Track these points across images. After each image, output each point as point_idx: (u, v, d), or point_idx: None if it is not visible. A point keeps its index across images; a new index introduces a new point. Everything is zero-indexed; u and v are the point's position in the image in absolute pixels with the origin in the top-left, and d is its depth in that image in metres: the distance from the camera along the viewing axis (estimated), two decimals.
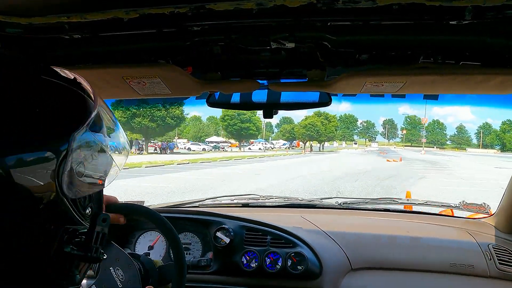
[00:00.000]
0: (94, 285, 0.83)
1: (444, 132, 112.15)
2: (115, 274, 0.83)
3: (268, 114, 1.07)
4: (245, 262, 1.34)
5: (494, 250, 1.37)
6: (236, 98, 1.08)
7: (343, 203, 1.81)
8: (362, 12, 0.64)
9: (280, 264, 1.31)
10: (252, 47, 0.84)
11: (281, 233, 1.39)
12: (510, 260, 1.34)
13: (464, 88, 0.89)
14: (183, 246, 1.37)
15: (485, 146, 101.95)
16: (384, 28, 0.72)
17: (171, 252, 0.96)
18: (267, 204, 1.86)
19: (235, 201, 1.87)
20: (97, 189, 0.56)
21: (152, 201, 5.83)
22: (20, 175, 0.41)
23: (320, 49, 0.83)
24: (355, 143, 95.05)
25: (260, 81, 0.95)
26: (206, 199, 1.87)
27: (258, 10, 0.61)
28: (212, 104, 1.10)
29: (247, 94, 1.06)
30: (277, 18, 0.69)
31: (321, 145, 61.38)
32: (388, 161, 26.89)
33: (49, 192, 0.44)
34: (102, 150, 0.52)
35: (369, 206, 1.82)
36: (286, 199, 1.90)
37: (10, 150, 0.41)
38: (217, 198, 1.90)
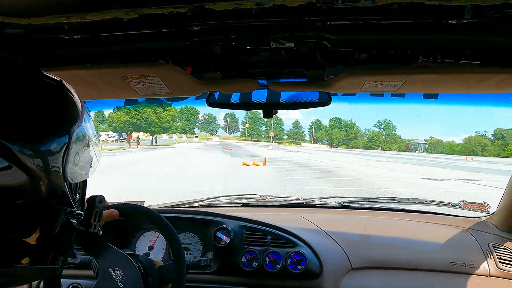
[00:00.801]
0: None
1: (282, 127, 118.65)
2: (115, 274, 0.83)
3: (267, 114, 1.08)
4: (245, 262, 1.34)
5: (494, 249, 1.37)
6: (236, 98, 1.08)
7: (343, 203, 1.82)
8: (362, 11, 0.64)
9: (280, 263, 1.31)
10: (252, 47, 0.84)
11: (281, 232, 1.39)
12: (510, 259, 1.35)
13: (463, 87, 0.89)
14: (183, 246, 1.37)
15: (316, 141, 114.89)
16: (384, 27, 0.72)
17: (171, 252, 0.96)
18: (267, 203, 1.86)
19: (235, 201, 1.87)
20: (85, 177, 0.64)
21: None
22: (37, 163, 0.48)
23: (320, 49, 0.83)
24: (196, 137, 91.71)
25: (259, 81, 0.95)
26: (206, 199, 1.87)
27: (257, 10, 0.61)
28: (212, 104, 1.10)
29: (246, 94, 1.06)
30: (276, 18, 0.69)
31: (153, 138, 51.06)
32: (246, 164, 16.51)
33: (56, 177, 0.52)
34: (89, 143, 0.61)
35: (369, 205, 1.82)
36: (286, 198, 1.90)
37: (30, 141, 0.48)
38: (217, 198, 1.90)
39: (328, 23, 0.71)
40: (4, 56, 0.55)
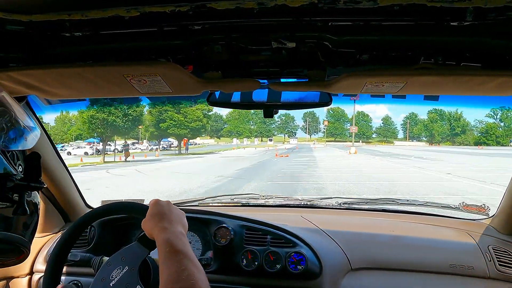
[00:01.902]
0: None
1: (370, 124, 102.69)
2: (116, 272, 0.84)
3: (268, 114, 1.07)
4: (245, 261, 1.34)
5: (494, 251, 1.37)
6: (236, 97, 1.08)
7: (343, 203, 1.81)
8: (363, 12, 0.64)
9: (280, 263, 1.31)
10: (253, 47, 0.84)
11: (281, 232, 1.39)
12: (510, 262, 1.34)
13: (464, 89, 0.89)
14: None
15: (411, 138, 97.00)
16: (385, 28, 0.72)
17: None
18: (267, 203, 1.86)
19: (235, 200, 1.87)
20: (19, 148, 0.69)
21: None
22: None
23: (321, 49, 0.83)
24: (271, 140, 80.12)
25: (260, 81, 0.95)
26: (206, 198, 1.87)
27: (259, 9, 0.61)
28: (213, 103, 1.10)
29: (247, 93, 1.06)
30: (278, 18, 0.69)
31: (180, 142, 37.70)
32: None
33: None
34: (16, 119, 0.67)
35: (369, 206, 1.82)
36: (286, 198, 1.90)
37: None
38: (217, 197, 1.90)
39: (329, 24, 0.71)
40: None
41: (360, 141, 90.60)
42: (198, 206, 1.78)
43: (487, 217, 1.61)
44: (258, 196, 1.92)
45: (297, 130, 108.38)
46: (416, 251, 1.41)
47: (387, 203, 1.82)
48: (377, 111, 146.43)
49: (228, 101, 1.09)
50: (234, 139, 79.16)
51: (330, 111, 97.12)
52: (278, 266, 1.31)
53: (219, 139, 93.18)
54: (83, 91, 0.97)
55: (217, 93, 1.08)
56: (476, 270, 1.33)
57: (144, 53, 0.86)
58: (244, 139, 79.36)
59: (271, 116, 1.08)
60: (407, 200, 1.81)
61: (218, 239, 1.38)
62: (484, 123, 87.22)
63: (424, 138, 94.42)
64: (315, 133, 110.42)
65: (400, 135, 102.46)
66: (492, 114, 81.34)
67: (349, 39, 0.78)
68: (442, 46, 0.80)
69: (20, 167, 0.71)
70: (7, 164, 0.64)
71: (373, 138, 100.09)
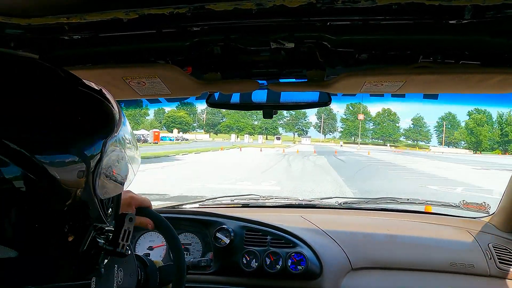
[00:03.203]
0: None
1: (397, 124, 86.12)
2: (116, 273, 0.84)
3: (267, 114, 1.08)
4: (245, 262, 1.33)
5: (494, 249, 1.37)
6: (236, 98, 1.08)
7: (343, 203, 1.81)
8: (362, 11, 0.64)
9: (280, 264, 1.31)
10: (252, 47, 0.84)
11: (281, 233, 1.39)
12: (510, 259, 1.35)
13: (463, 87, 0.89)
14: (183, 246, 1.37)
15: (448, 144, 79.32)
16: (384, 27, 0.72)
17: (170, 252, 0.96)
18: (267, 204, 1.85)
19: (235, 201, 1.87)
20: (119, 192, 0.60)
21: None
22: (64, 176, 0.45)
23: (320, 49, 0.83)
24: (278, 138, 66.48)
25: (259, 81, 0.95)
26: (206, 200, 1.87)
27: (257, 10, 0.61)
28: (212, 104, 1.10)
29: (247, 94, 1.06)
30: (276, 18, 0.69)
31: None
32: None
33: (85, 192, 0.48)
34: (124, 155, 0.56)
35: (369, 206, 1.82)
36: (286, 199, 1.90)
37: (57, 151, 0.45)
38: (217, 198, 1.90)
39: (328, 24, 0.71)
40: (44, 65, 0.51)
41: (388, 144, 78.05)
42: (198, 207, 1.77)
43: (488, 215, 1.62)
44: (258, 196, 1.92)
45: (309, 128, 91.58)
46: (416, 250, 1.41)
47: (387, 202, 1.82)
48: (406, 110, 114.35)
49: (227, 102, 1.09)
50: (233, 135, 65.91)
51: (350, 107, 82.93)
52: (278, 266, 1.30)
53: (216, 135, 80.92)
54: None
55: (216, 94, 1.08)
56: (476, 268, 1.33)
57: (143, 55, 0.86)
58: (246, 135, 66.84)
59: (271, 117, 1.08)
60: (408, 199, 1.81)
61: (218, 240, 1.37)
62: None
63: (463, 144, 77.65)
64: (330, 132, 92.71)
65: (434, 139, 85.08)
66: None
67: (348, 39, 0.78)
68: (441, 44, 0.80)
69: (111, 210, 0.60)
70: (100, 211, 0.53)
71: (401, 141, 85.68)
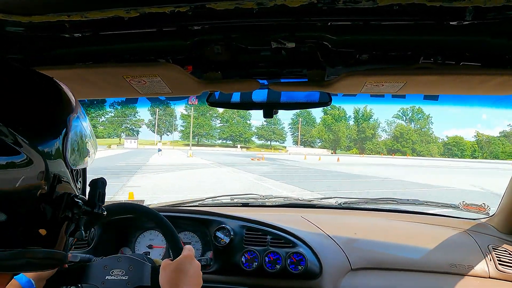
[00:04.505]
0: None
1: (248, 122, 70.64)
2: (117, 272, 0.84)
3: (268, 114, 1.08)
4: (245, 261, 1.34)
5: (494, 251, 1.37)
6: (236, 97, 1.08)
7: (343, 203, 1.81)
8: (363, 12, 0.64)
9: (280, 264, 1.31)
10: (252, 47, 0.84)
11: (281, 233, 1.39)
12: (509, 261, 1.35)
13: (464, 88, 0.89)
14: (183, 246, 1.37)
15: (304, 143, 66.39)
16: (385, 28, 0.72)
17: (170, 251, 0.96)
18: (267, 203, 1.86)
19: (235, 201, 1.87)
20: (85, 166, 0.67)
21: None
22: (39, 151, 0.51)
23: (321, 49, 0.83)
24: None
25: (260, 81, 0.95)
26: (206, 199, 1.87)
27: (258, 9, 0.61)
28: (212, 103, 1.10)
29: (247, 93, 1.06)
30: (277, 18, 0.69)
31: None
32: None
33: (59, 163, 0.55)
34: (86, 134, 0.64)
35: (369, 206, 1.82)
36: (286, 199, 1.90)
37: (33, 131, 0.51)
38: (217, 198, 1.90)
39: (329, 24, 0.71)
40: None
41: (239, 146, 63.15)
42: (198, 206, 1.78)
43: (487, 216, 1.62)
44: (258, 196, 1.92)
45: (140, 127, 71.80)
46: (416, 250, 1.41)
47: (387, 203, 1.82)
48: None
49: (227, 101, 1.09)
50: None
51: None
52: (278, 266, 1.31)
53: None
54: (83, 92, 0.97)
55: (216, 94, 1.08)
56: (476, 270, 1.33)
57: (144, 53, 0.86)
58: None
59: (271, 116, 1.08)
60: (407, 200, 1.81)
61: (218, 239, 1.38)
62: (394, 123, 68.34)
63: (318, 143, 63.04)
64: (168, 132, 71.26)
65: (289, 138, 67.90)
66: (401, 114, 63.47)
67: (348, 39, 0.78)
68: (441, 45, 0.80)
69: (80, 183, 0.68)
70: (72, 182, 0.61)
71: (253, 141, 72.51)
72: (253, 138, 76.11)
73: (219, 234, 1.39)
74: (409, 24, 0.69)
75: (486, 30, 0.70)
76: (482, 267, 1.33)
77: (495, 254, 1.36)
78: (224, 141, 72.81)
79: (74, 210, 0.59)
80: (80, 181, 0.67)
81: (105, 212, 0.68)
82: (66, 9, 0.61)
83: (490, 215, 1.61)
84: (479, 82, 0.84)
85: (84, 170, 0.70)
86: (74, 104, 0.62)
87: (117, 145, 58.46)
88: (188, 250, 0.91)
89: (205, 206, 1.78)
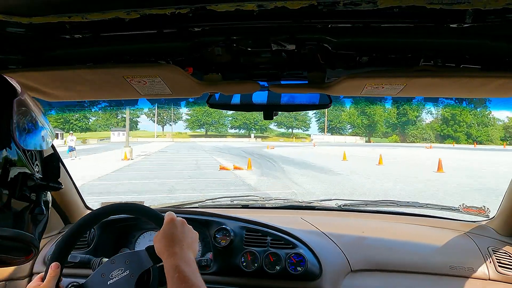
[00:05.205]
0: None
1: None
2: (116, 273, 0.84)
3: (268, 116, 1.08)
4: (244, 262, 1.33)
5: (494, 253, 1.37)
6: (236, 99, 1.08)
7: (343, 205, 1.81)
8: (363, 14, 0.64)
9: (280, 265, 1.31)
10: (253, 49, 0.84)
11: (281, 234, 1.39)
12: (509, 263, 1.34)
13: (464, 91, 0.89)
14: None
15: (331, 130, 56.26)
16: (385, 30, 0.72)
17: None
18: (267, 205, 1.86)
19: (235, 202, 1.87)
20: (38, 147, 0.70)
21: None
22: None
23: (321, 51, 0.83)
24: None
25: (260, 83, 0.95)
26: (206, 200, 1.87)
27: (259, 11, 0.62)
28: (213, 105, 1.10)
29: (247, 95, 1.06)
30: (278, 20, 0.69)
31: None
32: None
33: (6, 141, 0.58)
34: (36, 120, 0.68)
35: (369, 208, 1.81)
36: (286, 200, 1.90)
37: None
38: (217, 199, 1.90)
39: (329, 26, 0.71)
40: None
41: (253, 135, 54.26)
42: (198, 208, 1.78)
43: (487, 219, 1.61)
44: (258, 197, 1.92)
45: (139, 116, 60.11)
46: (416, 252, 1.41)
47: (387, 205, 1.82)
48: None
49: (228, 103, 1.09)
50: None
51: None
52: (278, 267, 1.30)
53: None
54: (84, 93, 0.98)
55: (217, 95, 1.08)
56: (475, 272, 1.33)
57: (144, 55, 0.86)
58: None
59: (271, 118, 1.08)
60: (407, 202, 1.81)
61: (218, 240, 1.37)
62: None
63: (349, 129, 53.01)
64: (172, 122, 64.61)
65: (313, 125, 57.66)
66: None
67: (349, 41, 0.78)
68: (441, 48, 0.80)
69: (37, 167, 0.71)
70: (27, 163, 0.65)
71: (271, 130, 63.35)
72: (272, 126, 65.73)
73: (219, 235, 1.38)
74: (409, 27, 0.70)
75: (486, 33, 0.71)
76: (482, 269, 1.33)
77: (495, 256, 1.36)
78: (237, 131, 62.11)
79: (29, 183, 0.61)
80: (37, 164, 0.70)
81: (62, 186, 0.72)
82: (66, 10, 0.62)
83: (490, 217, 1.61)
84: (479, 84, 0.84)
85: (41, 153, 0.73)
86: (20, 90, 0.65)
87: (99, 140, 51.17)
88: (168, 214, 0.91)
89: (205, 208, 1.78)
